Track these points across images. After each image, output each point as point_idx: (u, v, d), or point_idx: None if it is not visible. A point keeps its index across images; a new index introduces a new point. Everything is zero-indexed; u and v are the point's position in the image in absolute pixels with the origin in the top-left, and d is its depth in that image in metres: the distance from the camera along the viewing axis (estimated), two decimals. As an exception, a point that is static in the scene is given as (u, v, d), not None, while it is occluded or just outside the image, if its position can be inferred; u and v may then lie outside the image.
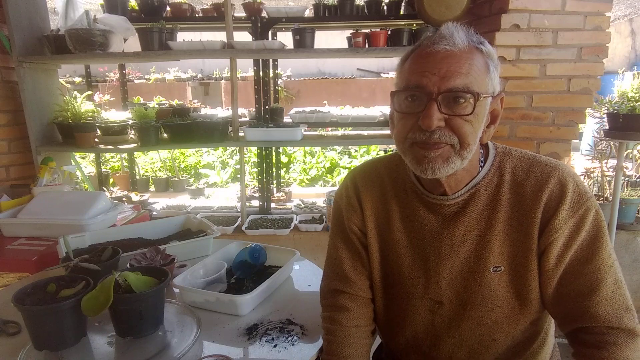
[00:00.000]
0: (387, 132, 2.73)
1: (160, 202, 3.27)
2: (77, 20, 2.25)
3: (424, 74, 0.83)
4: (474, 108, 0.83)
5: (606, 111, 2.30)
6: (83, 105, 2.46)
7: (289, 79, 8.33)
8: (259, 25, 2.59)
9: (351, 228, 1.05)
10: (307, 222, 2.64)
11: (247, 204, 2.80)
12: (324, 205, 2.97)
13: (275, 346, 1.02)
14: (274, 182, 3.36)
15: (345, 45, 2.61)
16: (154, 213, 2.92)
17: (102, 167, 3.49)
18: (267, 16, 2.61)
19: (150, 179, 3.99)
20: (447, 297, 0.95)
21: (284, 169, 4.91)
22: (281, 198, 3.22)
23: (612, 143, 3.17)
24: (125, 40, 2.43)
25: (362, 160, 5.07)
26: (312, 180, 4.88)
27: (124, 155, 3.97)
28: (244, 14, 2.64)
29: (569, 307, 0.88)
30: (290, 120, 2.89)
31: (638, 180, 2.65)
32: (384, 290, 1.05)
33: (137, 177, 3.76)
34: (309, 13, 2.75)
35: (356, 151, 5.55)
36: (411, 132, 0.86)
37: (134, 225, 1.65)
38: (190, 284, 1.23)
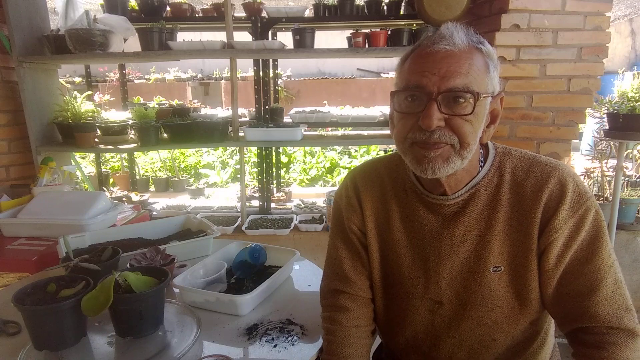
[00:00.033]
0: (387, 132, 2.73)
1: (160, 202, 3.27)
2: (77, 20, 2.25)
3: (423, 73, 0.83)
4: (474, 108, 0.83)
5: (606, 111, 2.30)
6: (83, 105, 2.46)
7: (289, 79, 8.33)
8: (259, 25, 2.59)
9: (351, 228, 1.05)
10: (307, 222, 2.64)
11: (247, 204, 2.80)
12: (324, 205, 2.97)
13: (275, 346, 1.02)
14: (274, 182, 3.36)
15: (345, 45, 2.61)
16: (154, 213, 2.92)
17: (102, 167, 3.49)
18: (267, 16, 2.61)
19: (150, 179, 3.99)
20: (447, 297, 0.95)
21: (284, 169, 4.91)
22: (281, 198, 3.22)
23: (612, 143, 3.17)
24: (125, 40, 2.43)
25: (362, 160, 5.07)
26: (312, 180, 4.88)
27: (124, 155, 3.97)
28: (244, 14, 2.64)
29: (569, 307, 0.88)
30: (290, 120, 2.89)
31: (638, 180, 2.65)
32: (384, 290, 1.05)
33: (137, 177, 3.76)
34: (309, 13, 2.75)
35: (356, 151, 5.55)
36: (411, 132, 0.86)
37: (134, 225, 1.65)
38: (190, 284, 1.23)
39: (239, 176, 3.20)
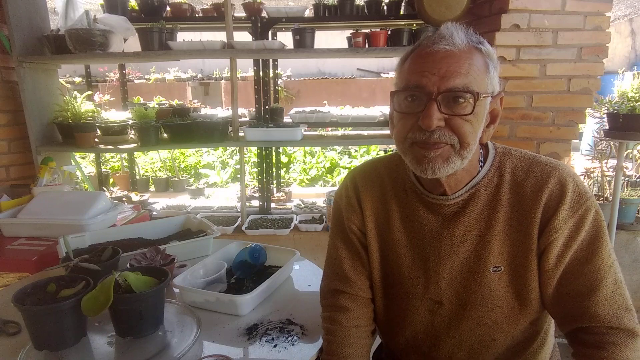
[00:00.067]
0: (387, 132, 2.73)
1: (160, 202, 3.27)
2: (77, 20, 2.25)
3: (423, 73, 0.83)
4: (474, 108, 0.83)
5: (606, 111, 2.30)
6: (83, 105, 2.46)
7: (289, 79, 8.33)
8: (259, 25, 2.59)
9: (351, 228, 1.05)
10: (307, 222, 2.64)
11: (247, 204, 2.80)
12: (324, 205, 2.97)
13: (275, 346, 1.02)
14: (274, 182, 3.36)
15: (345, 45, 2.61)
16: (154, 213, 2.92)
17: (102, 167, 3.49)
18: (267, 16, 2.61)
19: (150, 179, 3.99)
20: (447, 297, 0.95)
21: (284, 169, 4.91)
22: (281, 198, 3.22)
23: (612, 143, 3.17)
24: (125, 40, 2.43)
25: (362, 160, 5.07)
26: (312, 180, 4.88)
27: (124, 155, 3.97)
28: (244, 14, 2.64)
29: (569, 307, 0.88)
30: (290, 120, 2.89)
31: (638, 180, 2.65)
32: (384, 290, 1.05)
33: (137, 177, 3.76)
34: (309, 13, 2.75)
35: (356, 151, 5.55)
36: (411, 132, 0.86)
37: (134, 225, 1.65)
38: (190, 284, 1.23)
39: (239, 176, 3.20)
